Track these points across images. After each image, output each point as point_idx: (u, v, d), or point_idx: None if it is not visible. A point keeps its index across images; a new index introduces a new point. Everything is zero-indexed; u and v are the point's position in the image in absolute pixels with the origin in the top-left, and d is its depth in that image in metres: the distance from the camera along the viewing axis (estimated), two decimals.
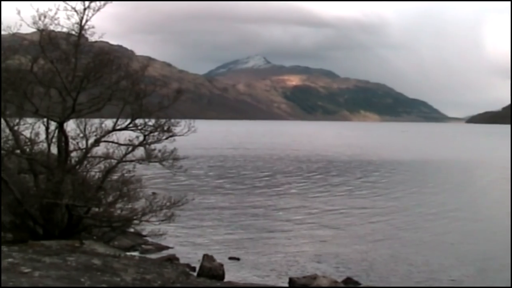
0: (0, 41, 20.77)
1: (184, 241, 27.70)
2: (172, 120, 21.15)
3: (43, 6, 20.52)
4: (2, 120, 20.68)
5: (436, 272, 23.07)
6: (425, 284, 21.65)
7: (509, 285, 21.06)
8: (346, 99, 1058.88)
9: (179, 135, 21.17)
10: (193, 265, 22.23)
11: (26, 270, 11.61)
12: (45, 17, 20.14)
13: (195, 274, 20.34)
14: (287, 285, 20.76)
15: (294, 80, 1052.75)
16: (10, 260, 12.51)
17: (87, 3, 20.86)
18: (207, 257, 21.60)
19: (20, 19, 20.15)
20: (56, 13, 20.37)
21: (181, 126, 21.29)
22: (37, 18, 20.12)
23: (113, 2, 21.57)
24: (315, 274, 21.43)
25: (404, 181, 57.81)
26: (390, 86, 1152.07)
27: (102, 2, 21.06)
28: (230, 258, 24.39)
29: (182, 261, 23.06)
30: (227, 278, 20.85)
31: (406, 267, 23.82)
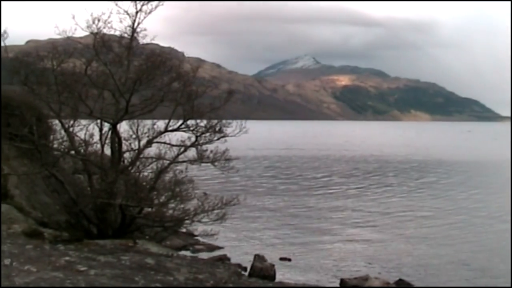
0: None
1: (235, 241, 27.81)
2: (224, 121, 21.28)
3: (96, 10, 20.89)
4: (58, 122, 21.14)
5: (496, 277, 22.47)
6: None
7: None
8: (396, 98, 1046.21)
9: (231, 136, 21.25)
10: (244, 265, 22.30)
11: (82, 268, 11.82)
12: (98, 20, 20.51)
13: (246, 274, 20.40)
14: (338, 286, 20.67)
15: (343, 80, 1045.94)
16: (67, 258, 12.74)
17: (139, 6, 21.18)
18: (258, 258, 21.64)
19: (74, 23, 20.59)
20: (109, 17, 20.75)
21: (233, 127, 21.38)
22: (91, 22, 20.52)
23: (165, 4, 21.80)
24: (367, 275, 21.26)
25: (465, 182, 56.28)
26: (441, 85, 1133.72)
27: (154, 5, 21.36)
28: (281, 259, 24.38)
29: (233, 261, 23.17)
30: (278, 278, 20.86)
31: (463, 271, 23.33)
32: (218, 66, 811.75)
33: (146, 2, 21.15)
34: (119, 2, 20.88)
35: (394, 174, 63.95)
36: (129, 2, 21.02)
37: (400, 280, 21.30)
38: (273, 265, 21.39)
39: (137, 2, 21.10)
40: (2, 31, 21.38)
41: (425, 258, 25.25)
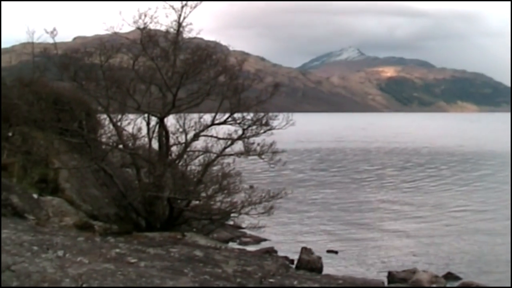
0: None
1: (282, 234, 27.82)
2: (270, 114, 21.30)
3: (143, 6, 21.14)
4: (106, 116, 21.47)
5: None
6: None
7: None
8: (443, 89, 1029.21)
9: (277, 129, 21.27)
10: (291, 257, 22.28)
11: (133, 260, 12.00)
12: (145, 16, 20.74)
13: (293, 266, 20.41)
14: (386, 278, 20.54)
15: (388, 72, 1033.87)
16: (117, 250, 12.96)
17: (184, 1, 21.34)
18: (305, 250, 21.61)
19: (122, 19, 20.88)
20: (155, 12, 20.96)
21: (279, 119, 21.38)
22: (137, 18, 20.75)
23: None
24: (415, 268, 21.07)
25: None
26: (488, 75, 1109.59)
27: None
28: (328, 251, 24.31)
29: (280, 253, 23.17)
30: (325, 271, 20.79)
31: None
32: (263, 59, 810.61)
33: None
34: None
35: (447, 166, 62.42)
36: None
37: (449, 273, 21.03)
38: (320, 258, 21.32)
39: None
40: (51, 29, 21.86)
41: (477, 253, 24.69)
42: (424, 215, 33.37)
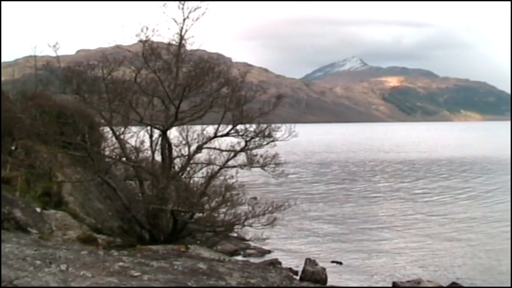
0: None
1: (286, 245, 27.77)
2: (273, 125, 21.28)
3: (145, 19, 21.18)
4: (109, 129, 21.48)
5: None
6: None
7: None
8: (446, 99, 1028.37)
9: (280, 140, 21.25)
10: (295, 269, 22.23)
11: (136, 274, 11.94)
12: (147, 29, 20.76)
13: (298, 278, 20.35)
14: None
15: (392, 81, 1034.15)
16: (120, 264, 12.89)
17: (186, 13, 21.37)
18: (309, 261, 21.57)
19: (124, 33, 20.93)
20: (157, 25, 20.99)
21: (282, 131, 21.36)
22: (139, 30, 20.78)
23: (212, 10, 21.93)
24: (420, 278, 21.02)
25: None
26: (491, 84, 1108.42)
27: (201, 12, 21.51)
28: (333, 262, 24.25)
29: (284, 265, 23.13)
30: (330, 282, 20.76)
31: None
32: (266, 70, 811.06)
33: (193, 9, 21.33)
34: (166, 10, 21.10)
35: (453, 176, 62.21)
36: (178, 9, 21.23)
37: (454, 283, 20.95)
38: (324, 269, 21.29)
39: (184, 10, 21.28)
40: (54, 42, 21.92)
41: (481, 264, 24.59)
42: (428, 226, 33.22)
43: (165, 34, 21.48)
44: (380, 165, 78.04)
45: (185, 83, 20.77)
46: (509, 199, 42.76)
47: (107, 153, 21.98)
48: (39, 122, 20.24)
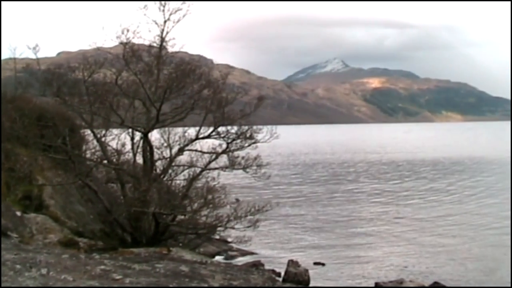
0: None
1: (269, 247, 27.78)
2: (254, 127, 21.29)
3: (126, 21, 21.07)
4: (90, 132, 21.35)
5: None
6: None
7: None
8: (427, 99, 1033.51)
9: (262, 142, 21.26)
10: (278, 270, 22.23)
11: (118, 277, 11.88)
12: (128, 31, 20.66)
13: (280, 279, 20.36)
14: None
15: (373, 83, 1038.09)
16: (102, 267, 12.83)
17: (167, 15, 21.31)
18: (292, 263, 21.58)
19: (104, 34, 20.79)
20: (138, 27, 20.90)
21: (264, 132, 21.36)
22: (120, 32, 20.68)
23: (193, 12, 21.86)
24: (402, 278, 21.12)
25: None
26: (472, 85, 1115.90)
27: (182, 14, 21.45)
28: (315, 264, 24.29)
29: (267, 266, 23.11)
30: (313, 283, 20.80)
31: (499, 274, 22.95)
32: (248, 72, 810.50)
33: (174, 11, 21.27)
34: (147, 12, 21.02)
35: (436, 177, 62.40)
36: (158, 11, 21.15)
37: (436, 283, 21.05)
38: (307, 270, 21.32)
39: (165, 12, 21.22)
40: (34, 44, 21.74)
41: (464, 263, 24.74)
42: (411, 227, 33.32)
43: (146, 36, 21.41)
44: (365, 167, 78.12)
45: (166, 85, 20.72)
46: (495, 200, 43.28)
47: (88, 156, 21.88)
48: (18, 125, 20.07)
